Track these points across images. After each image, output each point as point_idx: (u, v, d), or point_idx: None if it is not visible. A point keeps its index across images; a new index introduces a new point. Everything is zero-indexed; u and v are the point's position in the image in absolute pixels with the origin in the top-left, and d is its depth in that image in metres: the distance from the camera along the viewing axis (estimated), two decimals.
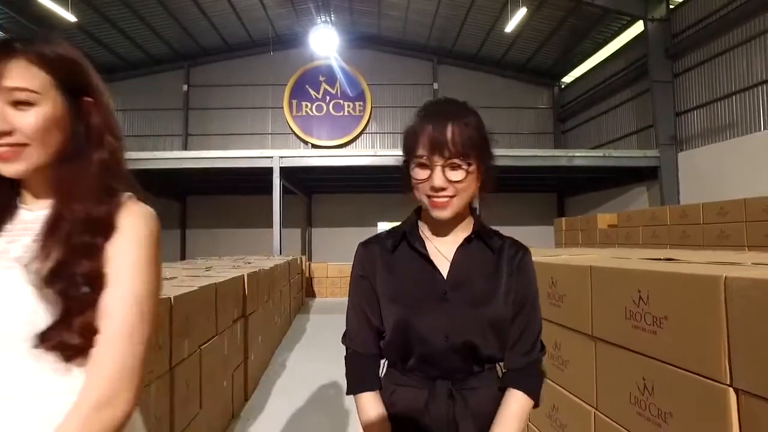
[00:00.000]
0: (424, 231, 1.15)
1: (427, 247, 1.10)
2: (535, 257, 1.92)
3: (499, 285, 1.06)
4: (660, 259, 1.90)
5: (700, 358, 1.26)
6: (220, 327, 2.80)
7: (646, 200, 13.15)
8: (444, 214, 1.02)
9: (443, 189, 1.00)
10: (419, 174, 1.02)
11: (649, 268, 1.54)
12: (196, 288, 2.31)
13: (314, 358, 4.95)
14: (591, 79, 15.82)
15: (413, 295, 1.05)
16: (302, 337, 6.06)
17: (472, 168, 1.01)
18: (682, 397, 1.33)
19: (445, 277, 1.06)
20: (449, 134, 0.98)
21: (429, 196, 1.02)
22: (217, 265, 4.58)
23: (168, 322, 1.93)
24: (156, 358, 1.79)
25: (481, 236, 1.11)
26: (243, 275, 3.39)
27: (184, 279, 2.91)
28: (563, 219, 9.95)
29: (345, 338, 1.16)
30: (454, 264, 1.07)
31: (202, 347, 2.38)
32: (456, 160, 0.98)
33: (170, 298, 1.96)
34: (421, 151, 1.01)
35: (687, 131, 11.80)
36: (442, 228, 1.12)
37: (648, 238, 6.90)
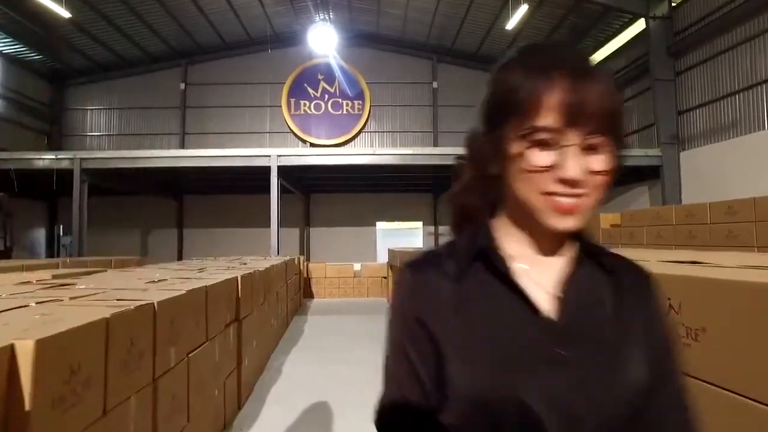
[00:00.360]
0: (507, 247, 0.72)
1: (518, 274, 0.69)
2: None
3: (630, 333, 0.69)
4: (684, 262, 1.76)
5: (744, 377, 1.11)
6: (211, 332, 2.66)
7: (647, 200, 13.02)
8: (570, 223, 0.64)
9: (578, 183, 0.62)
10: (539, 158, 0.63)
11: (678, 272, 1.40)
12: (183, 291, 2.17)
13: (311, 361, 4.81)
14: None
15: (505, 351, 0.66)
16: (299, 340, 5.92)
17: (613, 153, 0.66)
18: (720, 420, 1.17)
19: (556, 322, 0.66)
20: (594, 98, 0.61)
21: (550, 194, 0.63)
22: (211, 266, 4.44)
23: (151, 329, 1.78)
24: (138, 366, 1.65)
25: (593, 255, 0.73)
26: (236, 277, 3.24)
27: (174, 281, 2.76)
28: None
29: (380, 417, 0.73)
30: (566, 301, 0.68)
31: (190, 355, 2.23)
32: (598, 139, 0.63)
33: (153, 303, 1.81)
34: (545, 120, 0.62)
35: (689, 130, 11.68)
36: (543, 244, 0.71)
37: (653, 238, 6.76)
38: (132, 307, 1.63)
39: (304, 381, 4.18)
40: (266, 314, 4.59)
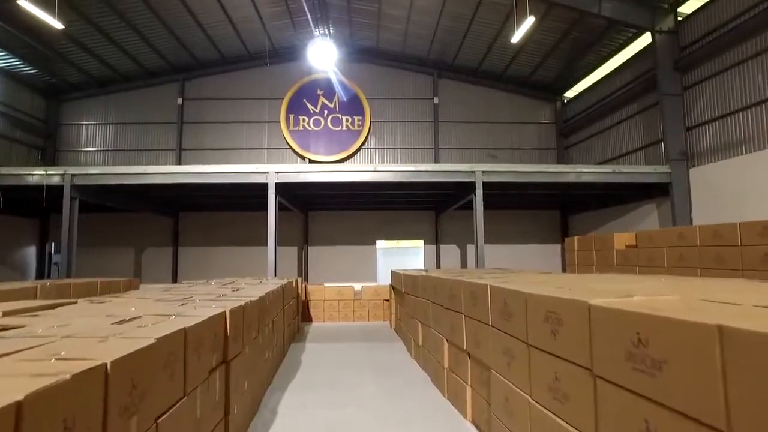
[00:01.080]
0: None
1: None
2: (602, 299, 1.85)
3: None
4: None
5: None
6: (191, 383, 2.21)
7: (656, 218, 12.65)
8: None
9: None
10: None
11: None
12: (152, 341, 1.73)
13: (311, 402, 4.33)
14: (595, 93, 15.47)
15: None
16: (297, 372, 5.43)
17: None
18: None
19: None
20: None
21: None
22: (200, 294, 4.00)
23: (99, 401, 1.35)
24: None
25: None
26: (225, 312, 2.81)
27: (148, 320, 2.33)
28: (575, 238, 9.38)
29: None
30: None
31: (160, 420, 1.79)
32: None
33: (106, 365, 1.38)
34: None
35: (698, 146, 11.37)
36: None
37: (674, 260, 6.34)
38: (68, 376, 1.20)
39: (301, 426, 3.70)
40: (260, 348, 4.13)
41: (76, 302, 3.19)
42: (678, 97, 11.69)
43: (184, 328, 2.15)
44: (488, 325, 3.12)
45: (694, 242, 5.95)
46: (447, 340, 4.29)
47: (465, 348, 3.69)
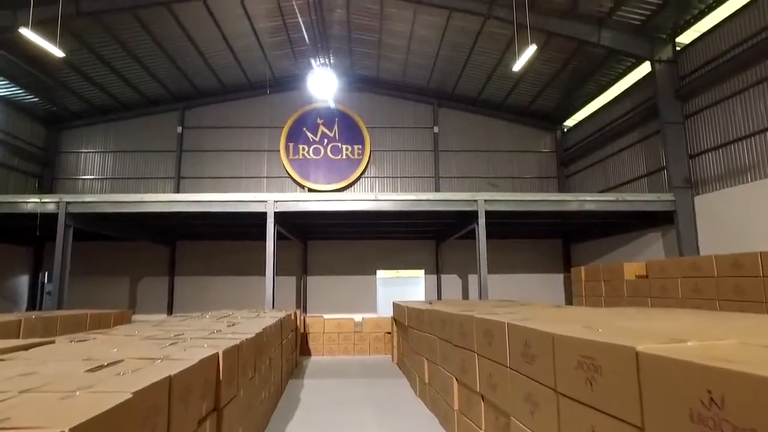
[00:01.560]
0: None
1: None
2: (649, 345, 1.66)
3: None
4: None
5: None
6: None
7: (661, 247, 12.43)
8: None
9: None
10: None
11: None
12: (129, 395, 1.48)
13: None
14: (595, 121, 15.48)
15: None
16: (296, 412, 5.09)
17: None
18: None
19: None
20: None
21: None
22: (192, 330, 3.72)
23: None
24: None
25: None
26: (217, 354, 2.54)
27: (130, 365, 2.07)
28: (582, 268, 9.12)
29: None
30: None
31: None
32: None
33: None
34: None
35: (702, 174, 11.26)
36: None
37: (689, 291, 6.08)
38: None
39: None
40: (256, 389, 3.82)
41: (53, 341, 2.91)
42: (680, 125, 11.65)
43: (170, 376, 1.89)
44: (506, 366, 2.84)
45: (711, 273, 5.70)
46: (457, 380, 3.99)
47: (478, 390, 3.40)
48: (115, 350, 2.51)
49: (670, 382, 1.41)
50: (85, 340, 2.99)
